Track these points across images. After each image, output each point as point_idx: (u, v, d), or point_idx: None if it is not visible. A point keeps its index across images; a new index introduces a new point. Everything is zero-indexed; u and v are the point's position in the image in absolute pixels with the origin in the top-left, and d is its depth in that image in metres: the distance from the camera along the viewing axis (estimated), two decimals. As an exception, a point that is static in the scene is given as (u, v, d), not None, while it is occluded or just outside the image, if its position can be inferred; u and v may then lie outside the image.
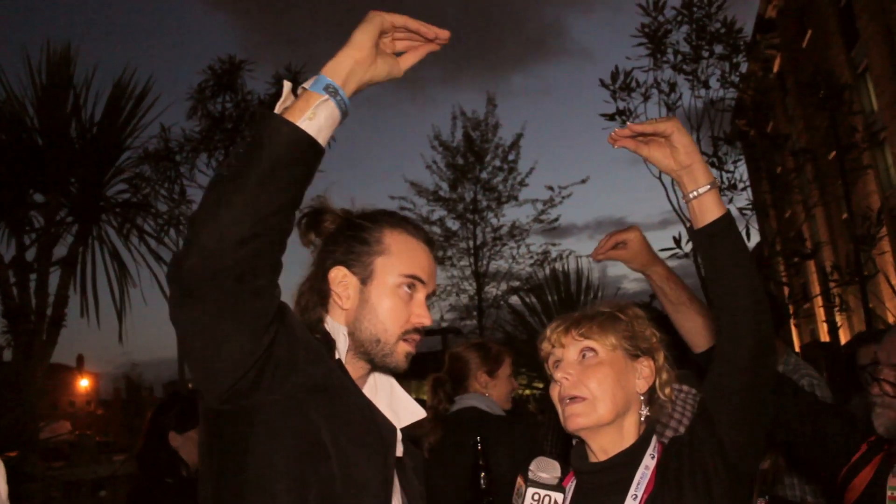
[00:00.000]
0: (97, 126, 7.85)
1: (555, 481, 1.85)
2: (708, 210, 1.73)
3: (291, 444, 1.54)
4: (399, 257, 1.80)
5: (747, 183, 10.55)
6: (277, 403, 1.53)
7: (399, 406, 1.89)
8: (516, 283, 18.25)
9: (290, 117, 1.41)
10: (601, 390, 1.86)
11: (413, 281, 1.80)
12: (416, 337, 1.81)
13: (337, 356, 1.74)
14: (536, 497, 1.82)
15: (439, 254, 18.93)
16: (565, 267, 12.06)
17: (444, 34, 1.59)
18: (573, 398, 1.88)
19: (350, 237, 1.82)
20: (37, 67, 7.61)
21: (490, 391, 3.60)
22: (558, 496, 1.83)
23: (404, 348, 1.79)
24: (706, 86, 10.20)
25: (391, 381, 1.92)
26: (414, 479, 1.89)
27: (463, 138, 19.41)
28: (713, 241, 1.73)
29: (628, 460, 1.86)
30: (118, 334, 7.84)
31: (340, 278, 1.79)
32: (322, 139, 1.43)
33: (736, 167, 10.34)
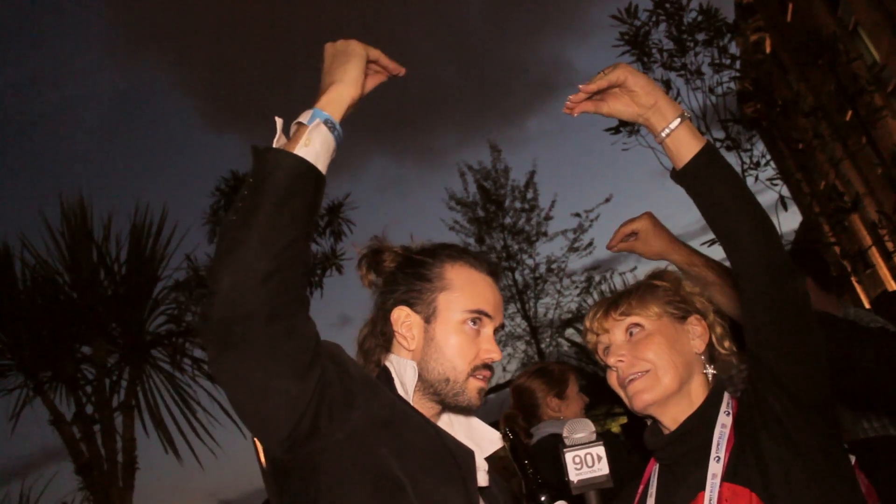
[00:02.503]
0: (125, 267, 8.04)
1: (592, 437, 1.74)
2: (685, 144, 1.65)
3: (362, 482, 1.49)
4: (462, 292, 1.75)
5: (768, 158, 10.40)
6: (341, 444, 1.49)
7: (478, 437, 1.83)
8: (569, 316, 18.06)
9: (287, 149, 1.43)
10: (660, 359, 1.79)
11: (479, 316, 1.74)
12: (487, 373, 1.75)
13: (399, 391, 1.69)
14: (577, 459, 1.71)
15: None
16: (612, 287, 11.89)
17: (402, 71, 1.69)
18: (634, 377, 1.80)
19: (410, 275, 1.78)
20: (57, 227, 7.88)
21: (564, 413, 3.49)
22: (599, 449, 1.72)
23: (475, 385, 1.73)
24: (699, 73, 10.17)
25: (467, 415, 1.86)
26: None
27: (478, 190, 19.60)
28: (701, 176, 1.65)
29: (701, 422, 1.78)
30: (199, 464, 7.80)
31: (403, 318, 1.75)
32: (321, 165, 1.45)
33: (752, 145, 10.22)
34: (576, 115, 1.73)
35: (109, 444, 7.43)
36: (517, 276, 19.48)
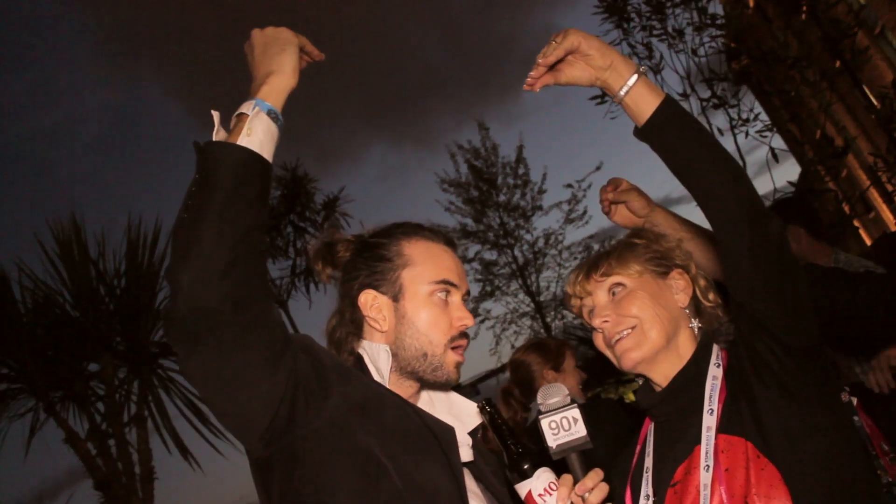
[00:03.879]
0: (123, 280, 8.03)
1: (567, 400, 1.71)
2: (645, 100, 1.63)
3: (344, 468, 1.49)
4: (424, 265, 1.75)
5: (757, 112, 10.31)
6: (319, 432, 1.50)
7: (460, 412, 1.84)
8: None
9: (229, 140, 1.43)
10: (644, 313, 1.78)
11: (445, 286, 1.75)
12: (463, 342, 1.76)
13: (374, 376, 1.70)
14: (553, 424, 1.68)
15: (487, 288, 19.10)
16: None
17: (322, 56, 1.69)
18: (620, 336, 1.78)
19: (369, 258, 1.78)
20: (53, 248, 7.88)
21: None
22: (574, 412, 1.69)
23: (453, 358, 1.74)
24: (680, 34, 10.07)
25: (446, 391, 1.87)
26: (495, 482, 1.82)
27: (469, 171, 19.64)
28: (664, 129, 1.63)
29: (692, 376, 1.77)
30: (218, 470, 7.85)
31: (371, 301, 1.75)
32: (266, 153, 1.44)
33: (739, 100, 10.13)
34: (537, 90, 1.73)
35: (125, 458, 7.47)
36: (516, 252, 19.61)
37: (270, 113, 1.47)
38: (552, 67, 1.69)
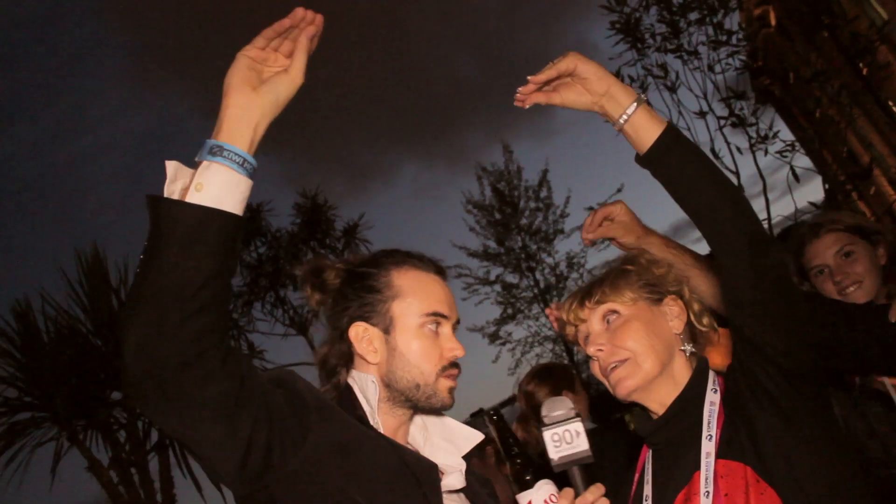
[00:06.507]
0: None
1: (570, 413, 1.71)
2: (645, 129, 1.62)
3: None
4: (415, 297, 1.74)
5: (777, 130, 10.22)
6: (297, 473, 1.48)
7: (455, 436, 1.83)
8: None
9: (184, 195, 1.33)
10: (639, 345, 1.77)
11: (435, 318, 1.74)
12: (454, 371, 1.75)
13: (365, 408, 1.69)
14: (556, 437, 1.69)
15: (508, 311, 19.01)
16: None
17: (310, 15, 1.45)
18: (615, 365, 1.77)
19: (359, 289, 1.76)
20: (76, 279, 8.02)
21: None
22: (577, 426, 1.70)
23: (446, 384, 1.73)
24: (695, 53, 10.04)
25: (440, 415, 1.87)
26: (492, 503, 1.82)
27: (493, 193, 19.69)
28: (665, 158, 1.62)
29: (689, 403, 1.76)
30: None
31: (362, 334, 1.74)
32: (229, 205, 1.32)
33: (758, 118, 10.05)
34: (527, 106, 1.71)
35: (147, 485, 7.51)
36: (538, 276, 19.54)
37: (227, 155, 1.34)
38: (547, 86, 1.68)
